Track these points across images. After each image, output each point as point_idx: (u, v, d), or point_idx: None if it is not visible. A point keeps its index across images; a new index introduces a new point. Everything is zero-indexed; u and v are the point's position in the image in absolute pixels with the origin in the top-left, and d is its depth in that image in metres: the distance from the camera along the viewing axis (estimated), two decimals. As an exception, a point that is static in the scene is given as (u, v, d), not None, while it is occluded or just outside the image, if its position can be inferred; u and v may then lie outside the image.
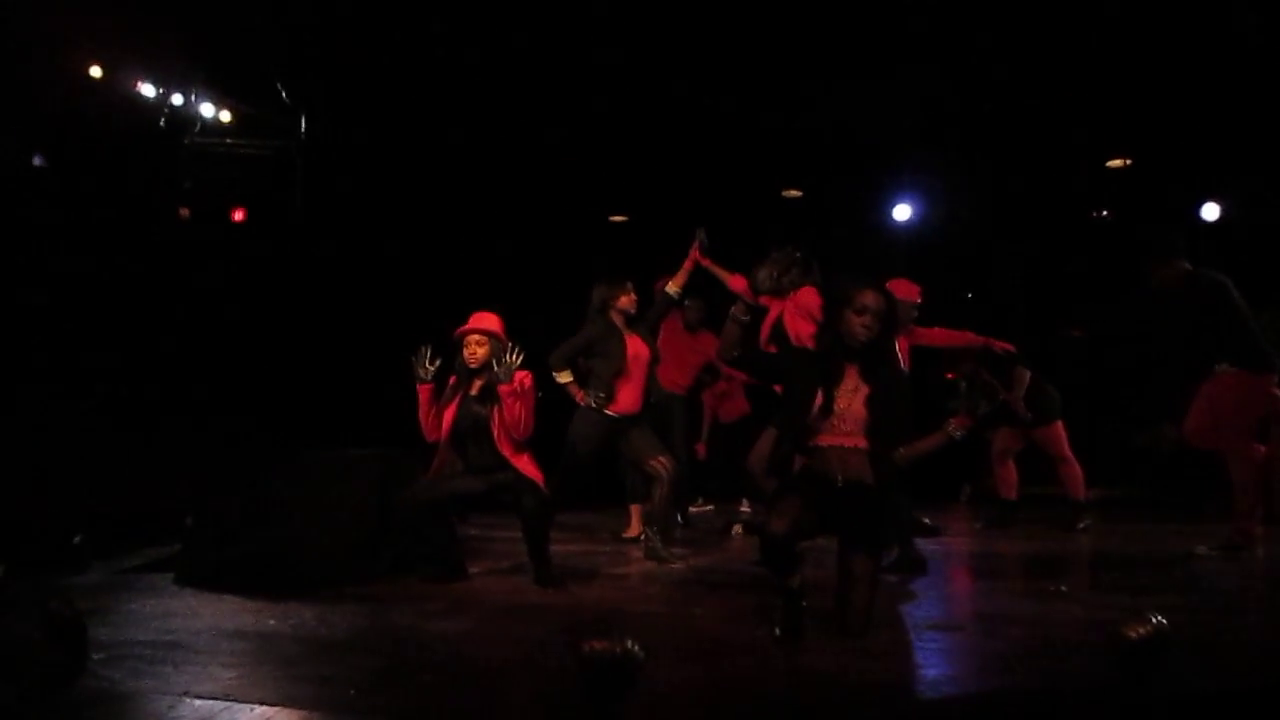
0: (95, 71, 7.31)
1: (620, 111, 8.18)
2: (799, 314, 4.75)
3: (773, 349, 4.78)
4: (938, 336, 5.72)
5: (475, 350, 4.66)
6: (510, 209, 8.92)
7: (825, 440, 3.51)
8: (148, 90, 7.72)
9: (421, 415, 4.71)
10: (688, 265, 5.51)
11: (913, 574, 4.72)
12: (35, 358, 6.51)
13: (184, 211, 8.39)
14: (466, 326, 4.70)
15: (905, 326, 5.23)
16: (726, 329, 3.81)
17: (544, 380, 5.13)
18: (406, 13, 7.31)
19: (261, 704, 2.69)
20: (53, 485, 5.71)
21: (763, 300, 4.86)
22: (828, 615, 3.50)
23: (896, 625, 3.71)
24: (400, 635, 3.59)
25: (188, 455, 6.47)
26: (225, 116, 8.28)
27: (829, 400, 3.49)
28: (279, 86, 8.33)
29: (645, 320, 5.63)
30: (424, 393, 4.68)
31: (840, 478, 3.48)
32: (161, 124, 7.90)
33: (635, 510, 6.18)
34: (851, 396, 3.50)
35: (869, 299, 3.47)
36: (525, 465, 4.60)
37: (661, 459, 5.39)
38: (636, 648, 2.53)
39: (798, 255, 4.89)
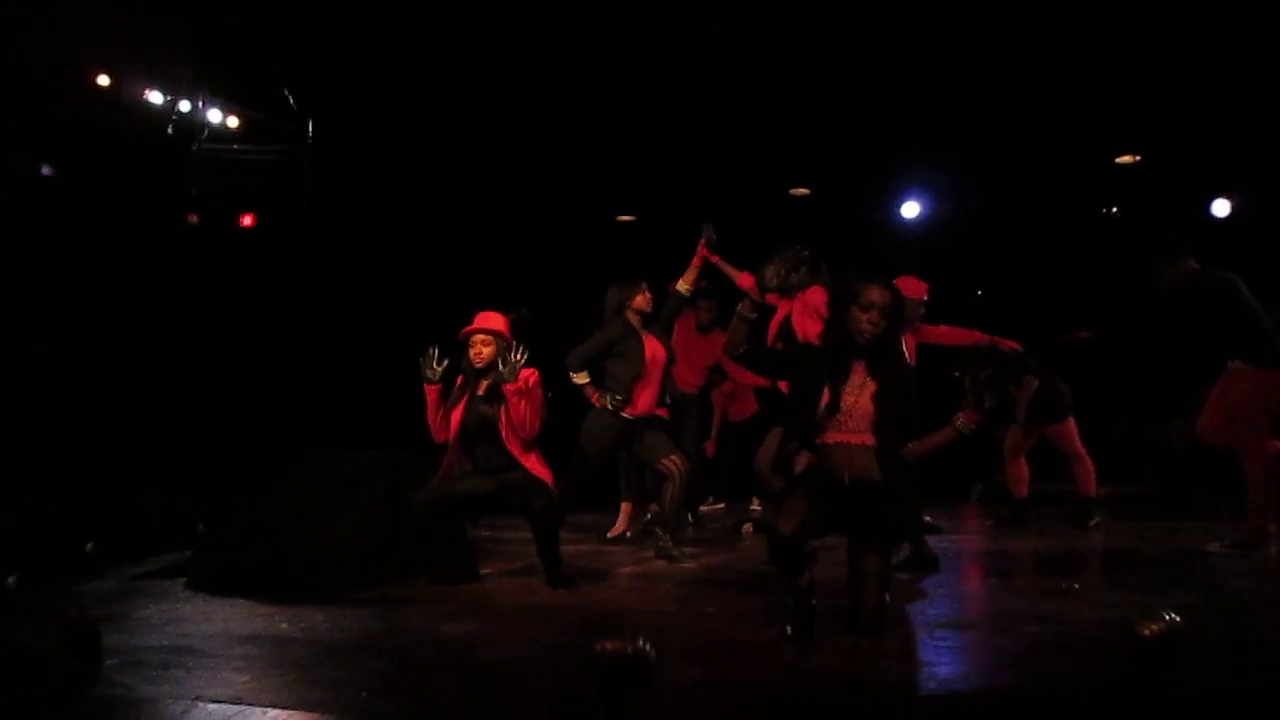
0: (103, 80, 7.35)
1: (627, 111, 8.18)
2: (806, 312, 4.73)
3: (779, 347, 4.77)
4: (945, 334, 5.71)
5: (481, 350, 4.67)
6: (517, 210, 8.93)
7: (832, 437, 3.50)
8: (155, 97, 7.76)
9: (429, 416, 4.71)
10: (696, 262, 5.51)
11: (924, 572, 4.71)
12: (46, 365, 6.53)
13: (193, 217, 8.43)
14: (472, 327, 4.71)
15: (912, 324, 5.22)
16: (733, 326, 3.81)
17: (553, 378, 5.14)
18: (412, 16, 7.32)
19: (274, 708, 2.70)
20: (65, 492, 5.74)
21: (770, 299, 4.85)
22: (839, 614, 3.49)
23: (908, 623, 3.70)
24: (412, 638, 3.59)
25: (198, 460, 6.51)
26: (233, 123, 8.32)
27: (836, 397, 3.48)
28: (286, 92, 8.36)
29: (659, 320, 5.64)
30: (432, 394, 4.69)
31: (847, 475, 3.46)
32: (169, 131, 7.95)
33: (625, 509, 6.19)
34: (858, 393, 3.49)
35: (875, 295, 3.46)
36: (534, 465, 4.60)
37: (674, 458, 5.39)
38: (648, 647, 2.53)
39: (805, 254, 4.89)
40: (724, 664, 3.17)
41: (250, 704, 2.73)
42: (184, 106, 7.95)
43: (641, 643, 2.52)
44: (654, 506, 5.83)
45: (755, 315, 3.86)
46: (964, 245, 9.32)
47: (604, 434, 5.39)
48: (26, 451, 6.02)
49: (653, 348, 5.47)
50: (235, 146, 8.43)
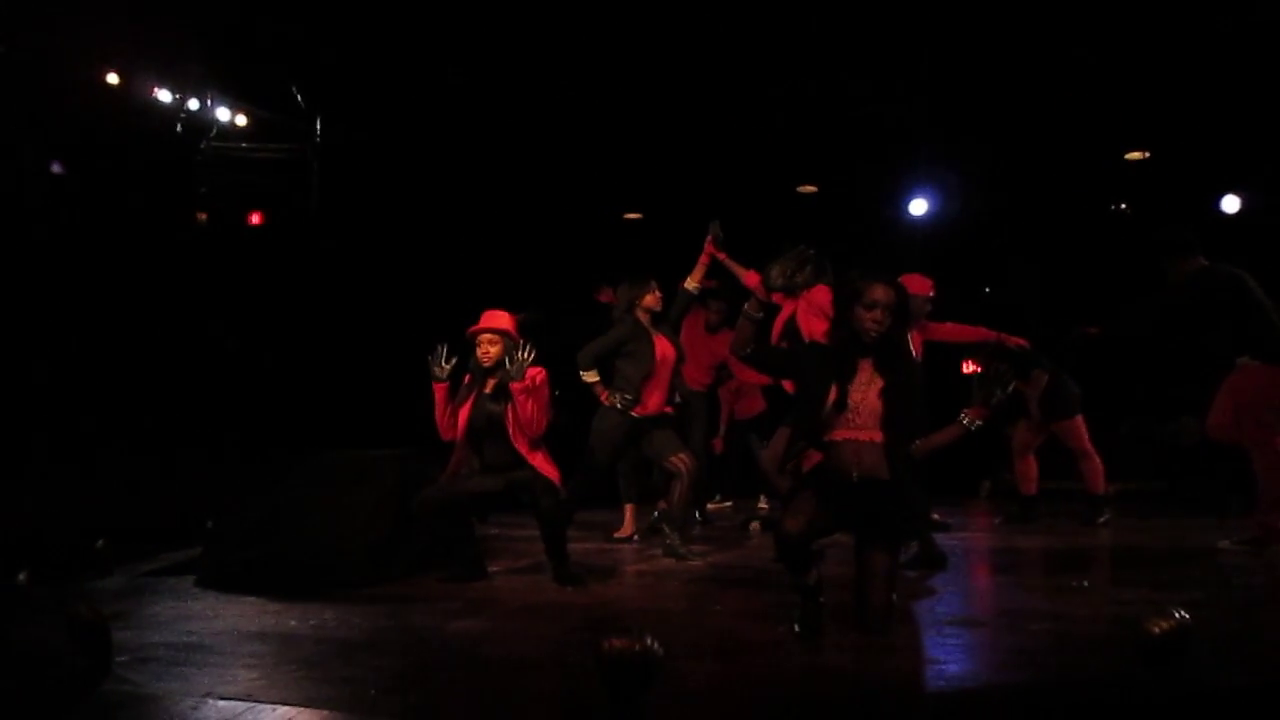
0: (112, 78, 7.36)
1: (634, 108, 8.18)
2: (812, 311, 4.73)
3: (784, 346, 4.77)
4: (951, 332, 5.70)
5: (488, 349, 4.68)
6: (524, 208, 8.94)
7: (840, 434, 3.50)
8: (164, 96, 7.77)
9: (437, 415, 4.72)
10: (703, 260, 5.51)
11: (932, 569, 4.71)
12: (54, 365, 6.55)
13: (201, 216, 8.45)
14: (478, 325, 4.72)
15: (918, 321, 5.21)
16: (739, 326, 3.81)
17: (561, 377, 5.14)
18: (419, 15, 7.32)
19: (283, 704, 2.71)
20: (75, 490, 5.76)
21: (775, 298, 4.84)
22: (847, 611, 3.49)
23: (916, 621, 3.70)
24: (420, 635, 3.60)
25: (207, 458, 6.52)
26: (241, 121, 8.33)
27: (843, 394, 3.48)
28: (294, 90, 8.37)
29: (667, 319, 5.64)
30: (439, 392, 4.70)
31: (855, 473, 3.46)
32: (178, 129, 7.96)
33: (630, 510, 6.20)
34: (865, 390, 3.49)
35: (878, 294, 3.46)
36: (541, 463, 4.61)
37: (682, 456, 5.39)
38: (656, 645, 2.53)
39: (811, 253, 4.85)
40: (732, 662, 3.17)
41: (259, 701, 2.74)
42: (192, 105, 7.96)
43: (649, 640, 2.52)
44: (662, 504, 5.83)
45: (761, 315, 3.86)
46: (972, 242, 9.30)
47: (612, 432, 5.40)
48: (37, 450, 6.04)
49: (663, 347, 5.48)
50: (243, 145, 8.43)
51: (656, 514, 6.10)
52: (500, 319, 4.73)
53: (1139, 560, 5.24)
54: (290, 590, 4.28)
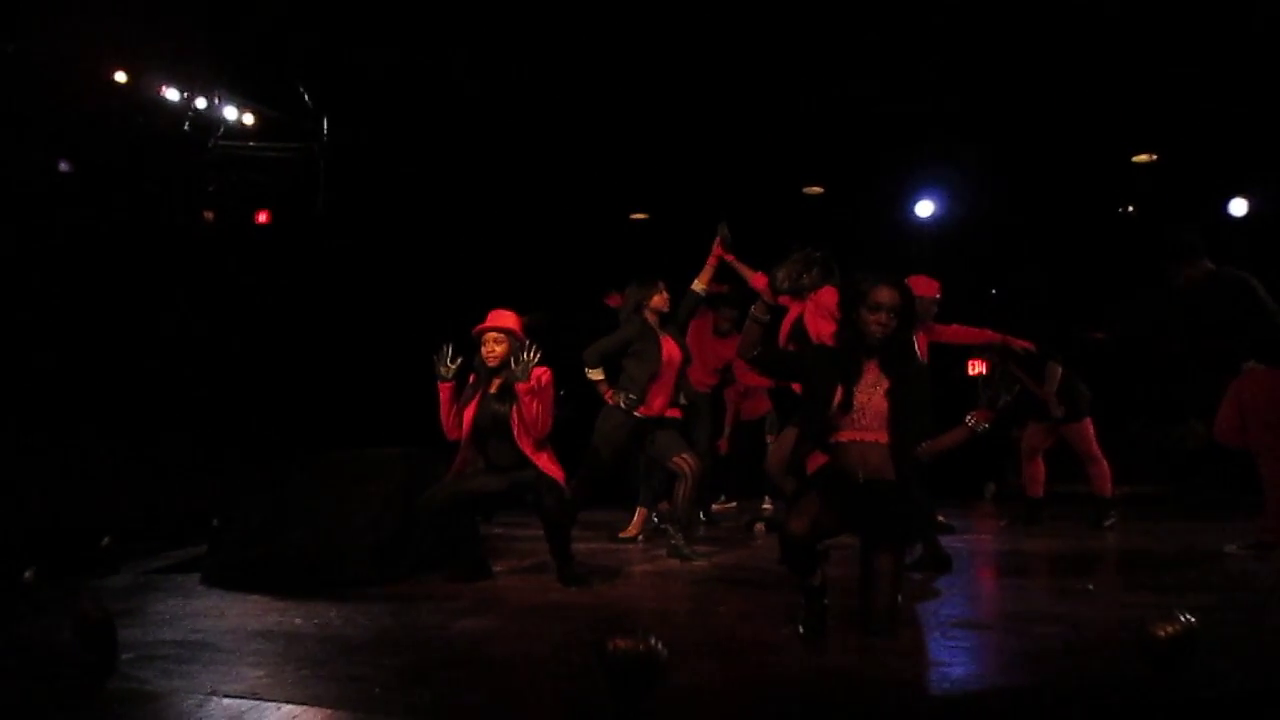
0: (120, 77, 7.38)
1: (641, 109, 8.18)
2: (819, 313, 4.72)
3: (792, 349, 4.76)
4: (957, 333, 5.70)
5: (493, 348, 4.68)
6: (531, 207, 8.95)
7: (846, 436, 3.50)
8: (172, 95, 7.80)
9: (443, 414, 4.72)
10: (712, 261, 5.51)
11: (938, 572, 4.70)
12: (61, 362, 6.57)
13: (208, 214, 8.47)
14: (484, 325, 4.72)
15: (924, 323, 5.21)
16: (746, 328, 3.81)
17: (566, 375, 5.14)
18: (426, 15, 7.34)
19: (288, 703, 2.71)
20: (81, 488, 5.77)
21: (782, 300, 4.84)
22: (851, 613, 3.48)
23: (921, 623, 3.69)
24: (425, 634, 3.60)
25: (213, 457, 6.54)
26: (249, 120, 8.35)
27: (849, 395, 3.48)
28: (301, 90, 8.39)
29: (675, 320, 5.64)
30: (445, 391, 4.70)
31: (861, 474, 3.46)
32: (186, 128, 7.98)
33: (641, 513, 6.20)
34: (871, 391, 3.49)
35: (884, 296, 3.46)
36: (545, 463, 4.61)
37: (686, 456, 5.39)
38: (660, 646, 2.52)
39: (817, 255, 4.87)
40: (736, 663, 3.17)
41: (264, 699, 2.75)
42: (200, 103, 7.98)
43: (653, 641, 2.52)
44: (666, 505, 5.83)
45: (768, 317, 3.86)
46: (979, 244, 9.29)
47: (616, 432, 5.40)
48: (43, 447, 6.06)
49: (669, 348, 5.48)
50: (251, 144, 8.46)
51: (658, 515, 6.11)
52: (506, 318, 4.73)
53: (1145, 564, 5.22)
54: (296, 589, 4.29)
